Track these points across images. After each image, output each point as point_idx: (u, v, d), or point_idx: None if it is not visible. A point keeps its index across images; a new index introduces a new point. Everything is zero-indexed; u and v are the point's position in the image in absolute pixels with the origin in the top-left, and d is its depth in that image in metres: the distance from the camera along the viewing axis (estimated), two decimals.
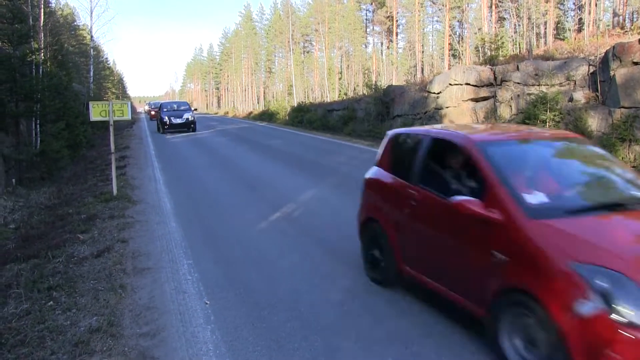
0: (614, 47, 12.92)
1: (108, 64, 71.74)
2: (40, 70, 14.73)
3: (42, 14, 17.39)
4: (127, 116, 10.18)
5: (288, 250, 6.47)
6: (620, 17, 27.01)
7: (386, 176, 5.26)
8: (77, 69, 35.07)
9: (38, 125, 13.92)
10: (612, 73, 12.70)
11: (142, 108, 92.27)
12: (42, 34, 17.10)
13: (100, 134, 26.22)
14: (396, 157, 5.32)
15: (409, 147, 5.22)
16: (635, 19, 25.96)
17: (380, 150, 5.59)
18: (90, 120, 10.19)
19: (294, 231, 7.38)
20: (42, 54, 15.62)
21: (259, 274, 5.63)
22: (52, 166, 13.05)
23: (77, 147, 17.41)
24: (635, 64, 12.16)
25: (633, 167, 11.34)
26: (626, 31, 19.92)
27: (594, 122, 12.82)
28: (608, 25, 25.99)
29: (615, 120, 12.21)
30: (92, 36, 34.28)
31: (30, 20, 15.46)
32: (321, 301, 4.82)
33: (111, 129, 10.43)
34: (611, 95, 12.70)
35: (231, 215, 8.53)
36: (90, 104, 9.99)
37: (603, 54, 13.60)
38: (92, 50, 34.58)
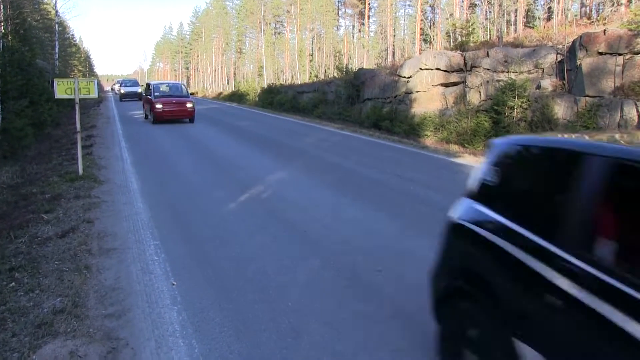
0: (580, 37, 13.16)
1: (74, 41, 69.74)
2: (1, 44, 14.26)
3: None
4: (94, 94, 9.96)
5: (257, 231, 6.46)
6: (587, 8, 27.45)
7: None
8: (42, 45, 33.99)
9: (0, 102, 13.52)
10: (578, 62, 12.94)
11: (109, 87, 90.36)
12: (2, 5, 16.51)
13: (66, 113, 25.60)
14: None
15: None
16: (601, 10, 26.39)
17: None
18: (55, 97, 9.94)
19: (263, 212, 7.37)
20: (1, 27, 15.10)
21: (227, 255, 5.61)
22: (15, 145, 12.71)
23: (41, 125, 16.97)
24: (601, 54, 12.42)
25: None
26: (592, 21, 20.26)
27: (560, 109, 13.06)
28: (576, 15, 26.42)
29: (580, 108, 12.47)
30: (56, 11, 33.37)
31: None
32: (289, 283, 4.83)
33: (77, 107, 10.18)
34: (577, 84, 12.95)
35: (199, 196, 8.46)
36: (55, 81, 9.74)
37: (570, 44, 13.84)
38: (57, 25, 33.64)
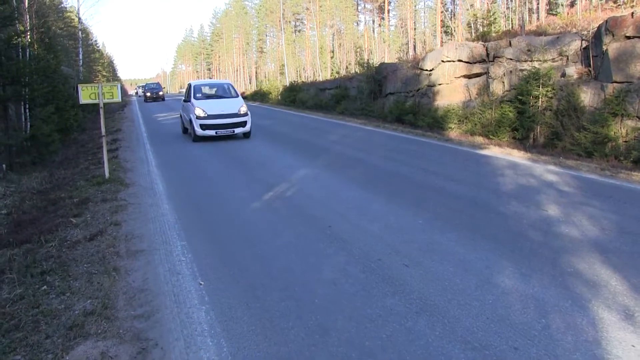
0: (606, 21, 12.86)
1: (97, 47, 70.90)
2: (27, 53, 14.51)
3: None
4: (117, 98, 10.08)
5: (282, 230, 6.47)
6: None
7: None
8: (66, 52, 34.64)
9: (27, 110, 13.75)
10: (604, 48, 12.65)
11: (132, 91, 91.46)
12: (28, 15, 16.79)
13: (91, 117, 26.01)
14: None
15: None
16: None
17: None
18: (80, 103, 10.09)
19: (287, 210, 7.37)
20: (28, 37, 15.38)
21: (253, 253, 5.62)
22: (43, 150, 12.93)
23: (67, 130, 17.25)
24: (628, 38, 12.11)
25: (625, 141, 11.36)
26: (619, 5, 19.82)
27: (587, 97, 12.80)
28: (601, 0, 25.84)
29: (607, 95, 12.20)
30: (79, 18, 33.86)
31: (14, 1, 15.16)
32: (315, 279, 4.82)
33: (101, 111, 10.32)
34: (604, 70, 12.67)
35: (224, 195, 8.50)
36: (79, 86, 9.87)
37: (596, 29, 13.53)
38: (80, 32, 34.17)
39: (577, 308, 4.11)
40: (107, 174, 9.95)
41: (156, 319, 4.20)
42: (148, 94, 48.84)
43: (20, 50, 13.88)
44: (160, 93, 49.52)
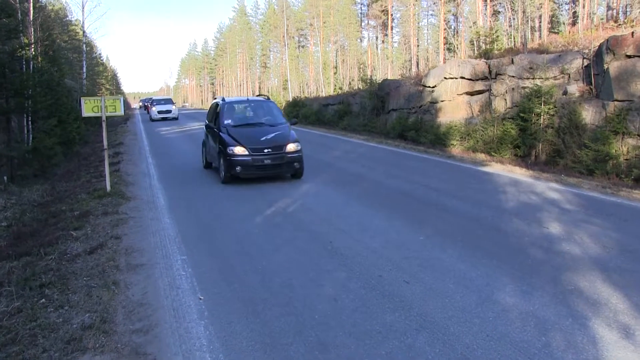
0: (607, 40, 12.93)
1: (101, 60, 71.32)
2: (31, 65, 14.63)
3: (32, 8, 17.23)
4: (120, 112, 10.12)
5: (283, 244, 6.45)
6: (614, 11, 27.01)
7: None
8: (70, 65, 34.85)
9: (30, 122, 13.84)
10: (605, 66, 12.70)
11: (136, 104, 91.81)
12: (32, 28, 16.95)
13: (94, 130, 26.11)
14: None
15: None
16: (628, 12, 25.94)
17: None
18: (83, 116, 10.13)
19: (288, 225, 7.36)
20: (32, 49, 15.49)
21: (253, 268, 5.60)
22: (45, 163, 12.98)
23: (70, 143, 17.32)
24: (629, 57, 12.17)
25: (626, 159, 11.35)
26: (620, 24, 19.93)
27: (588, 115, 12.83)
28: (602, 19, 26.00)
29: (609, 113, 12.22)
30: (84, 31, 34.12)
31: (19, 14, 15.29)
32: (315, 295, 4.79)
33: (104, 124, 10.36)
34: (605, 88, 12.71)
35: (225, 210, 8.50)
36: (82, 99, 9.92)
37: (597, 47, 13.60)
38: (84, 45, 34.41)
39: (577, 326, 4.08)
40: (108, 187, 9.96)
41: (155, 333, 4.18)
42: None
43: (24, 62, 13.99)
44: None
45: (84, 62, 33.58)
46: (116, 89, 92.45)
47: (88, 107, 9.76)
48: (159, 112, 37.74)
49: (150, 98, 51.88)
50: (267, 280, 5.21)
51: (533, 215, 7.56)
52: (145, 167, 13.67)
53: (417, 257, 5.80)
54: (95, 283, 5.21)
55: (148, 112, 44.13)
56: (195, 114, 51.80)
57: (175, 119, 37.72)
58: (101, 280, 5.27)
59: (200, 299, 4.80)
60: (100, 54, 68.50)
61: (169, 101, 40.84)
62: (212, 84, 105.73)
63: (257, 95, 14.48)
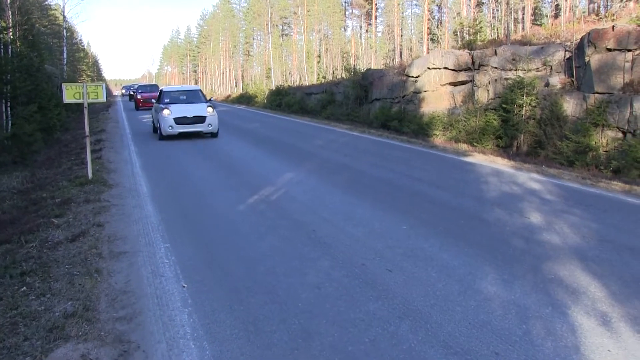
0: (589, 33, 13.06)
1: (82, 46, 70.29)
2: (10, 50, 14.35)
3: None
4: (102, 98, 10.00)
5: (266, 233, 6.46)
6: (596, 4, 27.29)
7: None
8: (50, 50, 34.24)
9: (9, 108, 13.60)
10: (587, 59, 12.84)
11: (118, 91, 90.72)
12: (10, 12, 16.61)
13: (75, 117, 25.76)
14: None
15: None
16: (609, 6, 26.19)
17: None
18: (64, 102, 9.99)
19: (272, 213, 7.36)
20: (10, 33, 15.19)
21: (237, 256, 5.61)
22: (25, 150, 12.77)
23: (50, 130, 17.07)
24: (609, 50, 12.31)
25: (605, 151, 11.52)
26: (601, 18, 20.13)
27: (569, 107, 12.97)
28: (584, 12, 26.25)
29: (589, 105, 12.37)
30: (64, 16, 33.58)
31: None
32: (299, 283, 4.81)
33: (85, 111, 10.23)
34: (586, 81, 12.85)
35: (209, 198, 8.47)
36: (63, 85, 9.78)
37: (579, 40, 13.74)
38: (65, 31, 33.86)
39: (557, 314, 4.15)
40: (90, 175, 9.86)
41: (138, 321, 4.17)
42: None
43: (2, 46, 13.72)
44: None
45: (65, 48, 33.06)
46: (98, 76, 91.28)
47: (69, 94, 9.63)
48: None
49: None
50: (251, 269, 5.22)
51: (514, 206, 7.65)
52: (127, 155, 13.55)
53: (400, 246, 5.85)
54: (78, 271, 5.17)
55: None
56: None
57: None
58: (83, 268, 5.23)
59: (184, 286, 4.80)
60: (81, 39, 67.54)
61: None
62: (195, 71, 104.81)
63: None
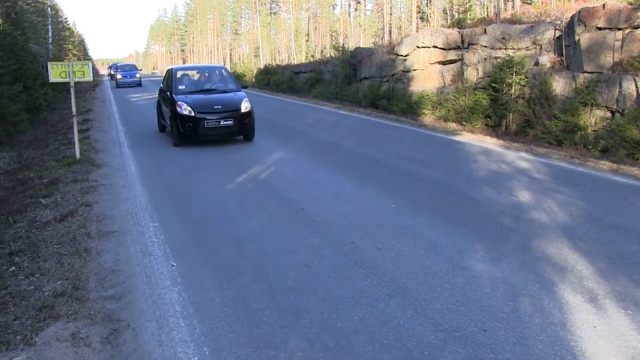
0: (579, 11, 13.02)
1: (68, 25, 69.12)
2: None
3: None
4: (89, 77, 9.88)
5: (255, 211, 6.46)
6: None
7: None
8: (35, 29, 33.64)
9: None
10: (577, 38, 12.82)
11: (105, 70, 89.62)
12: None
13: (61, 97, 25.42)
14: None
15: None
16: None
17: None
18: (50, 81, 9.86)
19: (261, 192, 7.36)
20: None
21: (226, 235, 5.61)
22: (11, 130, 12.60)
23: (37, 110, 16.85)
24: (599, 29, 12.29)
25: (594, 131, 11.58)
26: None
27: (559, 86, 12.99)
28: None
29: (578, 84, 12.39)
30: None
31: None
32: (288, 261, 4.83)
33: (72, 90, 10.10)
34: (575, 60, 12.85)
35: (197, 177, 8.44)
36: (49, 64, 9.63)
37: (569, 19, 13.69)
38: (49, 9, 33.27)
39: (544, 291, 4.20)
40: (78, 155, 9.77)
41: (128, 300, 4.17)
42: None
43: None
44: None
45: (49, 27, 32.52)
46: (84, 55, 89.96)
47: (55, 73, 9.49)
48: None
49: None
50: (240, 247, 5.23)
51: (503, 184, 7.70)
52: (115, 134, 13.44)
53: (389, 224, 5.88)
54: (67, 250, 5.15)
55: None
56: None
57: (139, 85, 38.16)
58: (72, 248, 5.22)
59: (173, 265, 4.80)
60: (66, 18, 66.45)
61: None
62: (182, 50, 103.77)
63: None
